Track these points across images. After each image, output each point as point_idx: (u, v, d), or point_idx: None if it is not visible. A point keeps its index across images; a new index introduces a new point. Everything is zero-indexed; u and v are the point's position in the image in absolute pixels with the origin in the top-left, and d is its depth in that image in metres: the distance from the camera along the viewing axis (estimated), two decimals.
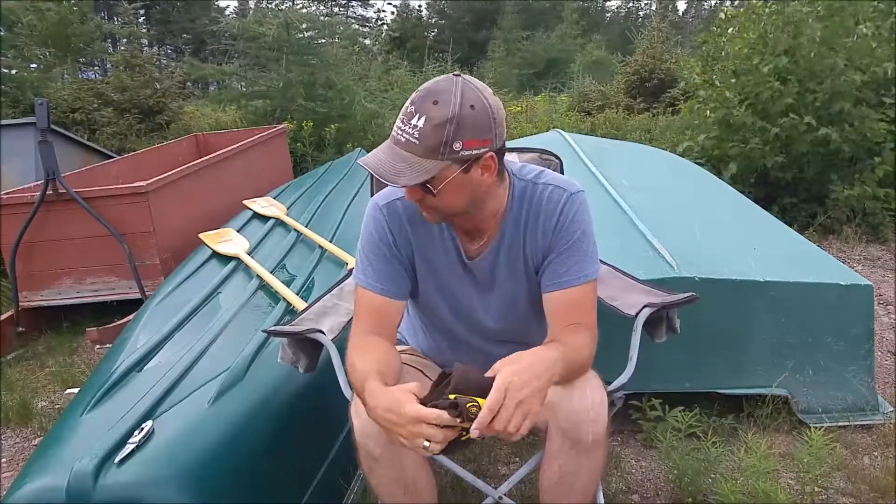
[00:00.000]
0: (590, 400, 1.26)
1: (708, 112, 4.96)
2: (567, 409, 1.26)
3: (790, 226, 3.12)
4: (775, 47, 4.54)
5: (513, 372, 1.03)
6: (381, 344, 1.29)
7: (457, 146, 1.13)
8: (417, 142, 1.12)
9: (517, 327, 1.45)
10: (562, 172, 1.83)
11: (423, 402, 1.04)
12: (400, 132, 1.14)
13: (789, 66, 4.43)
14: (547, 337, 1.29)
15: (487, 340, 1.47)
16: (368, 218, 1.38)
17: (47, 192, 3.28)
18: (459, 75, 1.16)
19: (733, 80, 4.75)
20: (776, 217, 2.99)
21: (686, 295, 1.51)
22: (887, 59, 4.38)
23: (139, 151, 5.16)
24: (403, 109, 1.14)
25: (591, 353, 1.28)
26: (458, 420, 1.00)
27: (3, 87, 6.67)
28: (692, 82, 5.52)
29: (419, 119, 1.12)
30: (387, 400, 1.06)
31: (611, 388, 1.37)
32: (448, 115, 1.11)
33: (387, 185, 1.25)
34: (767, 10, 4.72)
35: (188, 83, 11.47)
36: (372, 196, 1.80)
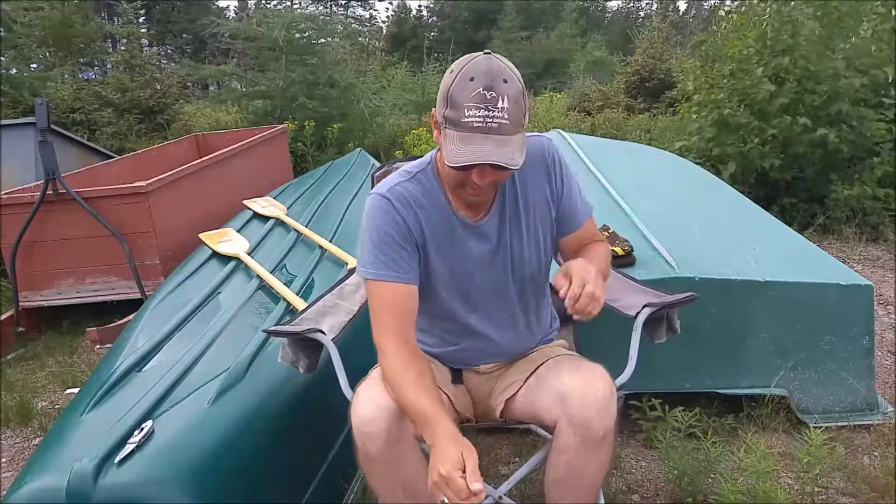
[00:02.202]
0: (602, 394, 1.27)
1: (703, 114, 4.96)
2: (578, 403, 1.27)
3: (790, 226, 3.12)
4: (773, 47, 4.54)
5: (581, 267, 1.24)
6: (417, 358, 1.30)
7: (526, 113, 1.22)
8: (508, 122, 1.16)
9: (522, 293, 1.48)
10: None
11: None
12: (490, 120, 1.15)
13: (788, 67, 4.43)
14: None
15: (493, 321, 1.48)
16: (373, 210, 1.35)
17: (47, 192, 3.28)
18: (490, 53, 1.20)
19: (725, 81, 4.74)
20: (776, 217, 2.99)
21: (685, 295, 1.52)
22: (887, 61, 4.37)
23: (139, 151, 5.17)
24: (477, 97, 1.14)
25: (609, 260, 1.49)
26: None
27: (2, 87, 6.67)
28: (687, 85, 5.52)
29: (502, 101, 1.15)
30: (447, 465, 1.10)
31: None
32: (520, 88, 1.18)
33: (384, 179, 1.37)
34: (767, 9, 4.72)
35: (188, 83, 11.48)
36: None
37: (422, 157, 1.50)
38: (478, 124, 1.15)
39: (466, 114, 1.15)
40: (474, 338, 1.49)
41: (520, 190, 1.40)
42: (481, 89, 1.14)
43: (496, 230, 1.40)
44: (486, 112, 1.15)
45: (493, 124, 1.15)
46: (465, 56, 1.21)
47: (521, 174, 1.38)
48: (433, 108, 1.27)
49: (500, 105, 1.15)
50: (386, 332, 1.30)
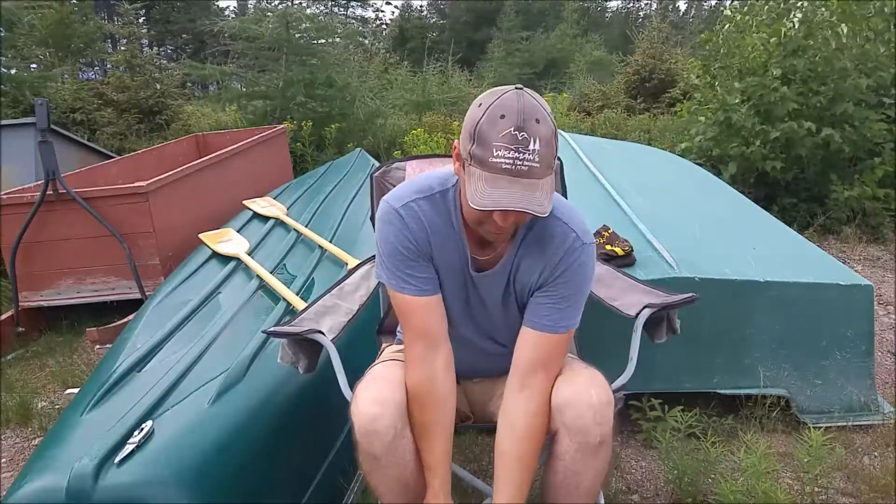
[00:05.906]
0: (596, 401, 1.27)
1: (708, 114, 4.95)
2: (574, 411, 1.27)
3: (790, 226, 3.13)
4: (786, 46, 4.53)
5: None
6: (445, 386, 1.32)
7: (556, 154, 1.14)
8: (538, 165, 1.10)
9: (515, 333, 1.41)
10: (562, 174, 1.83)
11: None
12: (520, 162, 1.09)
13: (799, 67, 4.41)
14: (508, 376, 1.34)
15: (488, 339, 1.47)
16: (383, 222, 1.31)
17: (47, 192, 3.28)
18: (521, 88, 1.13)
19: (737, 84, 4.72)
20: (776, 217, 2.99)
21: (686, 295, 1.52)
22: (891, 63, 4.37)
23: (139, 151, 5.16)
24: (507, 137, 1.08)
25: (544, 417, 1.31)
26: None
27: (3, 87, 6.67)
28: (690, 82, 5.53)
29: (534, 143, 1.09)
30: None
31: (611, 388, 1.38)
32: (552, 128, 1.11)
33: (392, 189, 1.33)
34: (783, 7, 4.69)
35: (188, 83, 11.48)
36: (371, 201, 1.80)
37: (439, 160, 1.47)
38: (506, 166, 1.09)
39: (495, 154, 1.09)
40: (468, 348, 1.46)
41: (522, 258, 1.33)
42: (512, 129, 1.08)
43: (502, 267, 1.35)
44: (517, 154, 1.08)
45: (523, 167, 1.09)
46: (494, 90, 1.15)
47: (532, 244, 1.31)
48: (455, 140, 1.21)
49: (531, 147, 1.08)
50: (414, 336, 1.32)
